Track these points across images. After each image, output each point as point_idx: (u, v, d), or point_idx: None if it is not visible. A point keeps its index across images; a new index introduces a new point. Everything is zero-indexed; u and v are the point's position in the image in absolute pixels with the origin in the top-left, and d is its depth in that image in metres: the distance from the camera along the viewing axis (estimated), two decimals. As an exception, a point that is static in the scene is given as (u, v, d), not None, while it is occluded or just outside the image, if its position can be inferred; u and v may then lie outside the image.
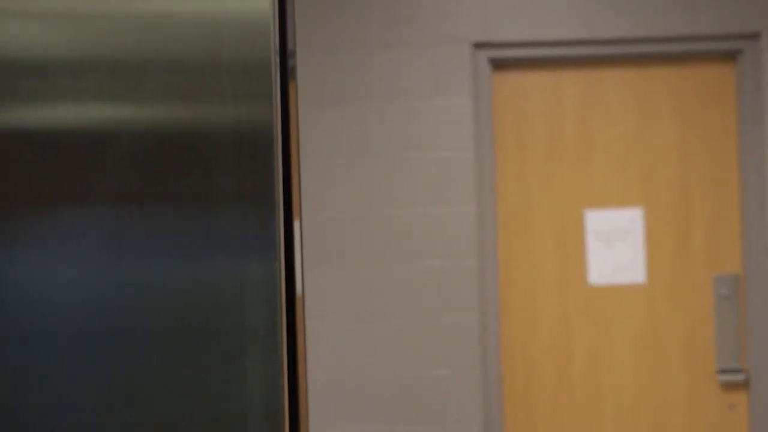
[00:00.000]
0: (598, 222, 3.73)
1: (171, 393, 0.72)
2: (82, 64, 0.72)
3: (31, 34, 0.72)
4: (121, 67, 0.72)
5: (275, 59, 0.73)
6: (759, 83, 3.65)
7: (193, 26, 0.72)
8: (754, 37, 3.67)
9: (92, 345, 0.72)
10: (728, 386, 3.70)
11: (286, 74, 0.80)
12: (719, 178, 3.72)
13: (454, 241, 3.62)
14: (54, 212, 0.72)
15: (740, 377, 3.67)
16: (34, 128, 0.72)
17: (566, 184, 3.74)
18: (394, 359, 3.61)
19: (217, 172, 0.72)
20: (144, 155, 0.72)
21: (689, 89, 3.75)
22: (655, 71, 3.75)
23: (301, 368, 0.83)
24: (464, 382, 3.60)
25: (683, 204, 3.73)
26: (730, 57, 3.73)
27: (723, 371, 3.69)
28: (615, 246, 3.72)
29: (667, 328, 3.72)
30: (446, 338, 3.60)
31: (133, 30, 0.72)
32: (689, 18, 3.65)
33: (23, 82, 0.72)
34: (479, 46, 3.69)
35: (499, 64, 3.75)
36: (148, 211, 0.72)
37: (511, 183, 3.75)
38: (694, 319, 3.71)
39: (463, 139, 3.64)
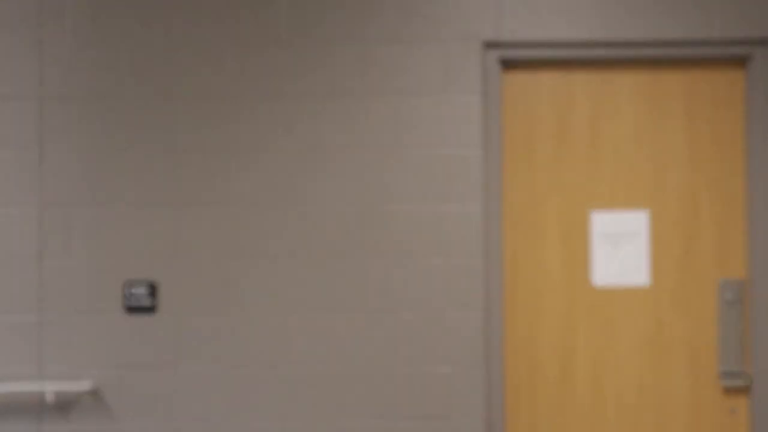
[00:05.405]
0: (605, 223, 3.73)
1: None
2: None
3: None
4: None
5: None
6: (768, 89, 3.66)
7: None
8: (764, 42, 3.67)
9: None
10: (730, 390, 3.71)
11: None
12: (727, 182, 3.73)
13: (459, 239, 3.61)
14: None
15: (742, 382, 3.68)
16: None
17: (573, 185, 3.74)
18: (397, 356, 3.61)
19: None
20: None
21: (699, 93, 3.75)
22: (666, 74, 3.75)
23: None
24: (467, 380, 3.60)
25: (690, 208, 3.73)
26: (740, 62, 3.73)
27: (725, 375, 3.69)
28: (620, 248, 3.72)
29: (670, 332, 3.72)
30: (450, 336, 3.60)
31: None
32: (702, 22, 3.65)
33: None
34: (489, 45, 3.68)
35: (508, 64, 3.74)
36: None
37: (518, 182, 3.75)
38: (698, 323, 3.72)
39: (470, 138, 3.64)
